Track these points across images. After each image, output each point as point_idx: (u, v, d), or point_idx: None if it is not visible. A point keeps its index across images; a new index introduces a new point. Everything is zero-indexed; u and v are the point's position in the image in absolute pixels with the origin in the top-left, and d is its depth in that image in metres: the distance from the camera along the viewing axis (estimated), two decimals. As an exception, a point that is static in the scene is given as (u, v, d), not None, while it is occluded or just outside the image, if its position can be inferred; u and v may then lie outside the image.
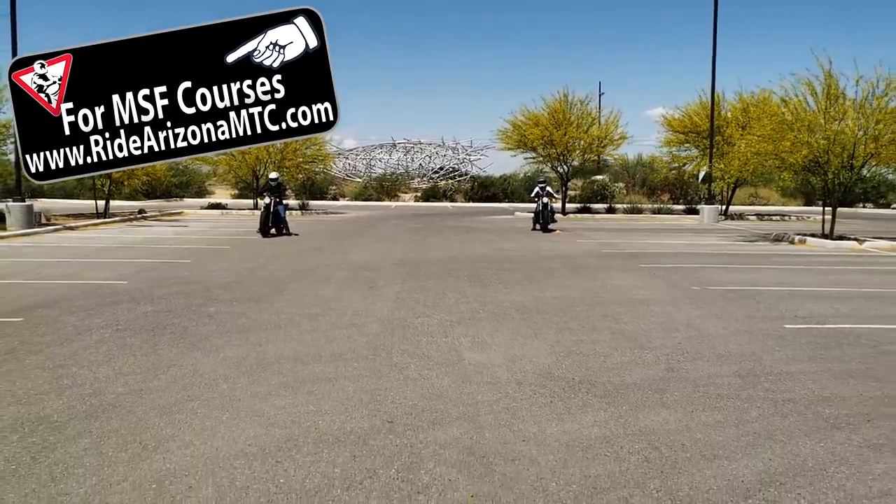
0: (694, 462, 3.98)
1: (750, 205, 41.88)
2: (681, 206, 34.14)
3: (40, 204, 25.93)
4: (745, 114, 25.44)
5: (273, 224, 19.61)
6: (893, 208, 41.70)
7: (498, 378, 5.65)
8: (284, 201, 21.18)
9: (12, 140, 20.09)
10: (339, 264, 13.05)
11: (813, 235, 18.95)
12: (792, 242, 18.47)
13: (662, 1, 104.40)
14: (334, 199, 48.88)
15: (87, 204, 32.02)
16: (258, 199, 19.52)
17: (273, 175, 21.26)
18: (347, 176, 56.67)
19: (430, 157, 57.80)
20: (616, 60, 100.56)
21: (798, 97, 17.96)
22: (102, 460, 3.96)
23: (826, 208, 19.38)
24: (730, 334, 7.28)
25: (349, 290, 10.05)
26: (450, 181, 53.23)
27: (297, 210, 32.36)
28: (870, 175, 38.29)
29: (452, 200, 47.88)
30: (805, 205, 42.55)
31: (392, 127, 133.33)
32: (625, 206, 33.56)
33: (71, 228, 20.56)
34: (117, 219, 24.40)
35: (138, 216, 26.10)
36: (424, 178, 55.07)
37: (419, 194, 50.31)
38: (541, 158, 31.68)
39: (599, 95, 54.52)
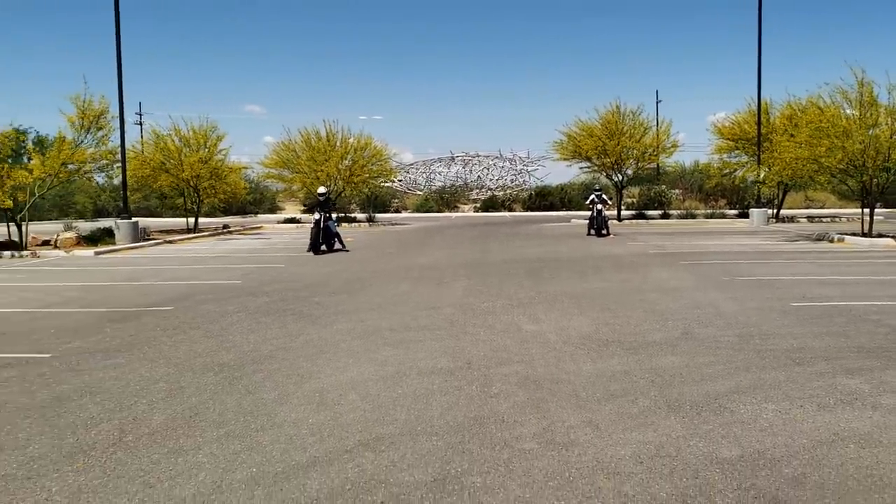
0: (685, 383, 5.65)
1: (806, 208, 42.42)
2: (734, 211, 35.09)
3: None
4: (790, 122, 26.47)
5: (324, 240, 18.59)
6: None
7: (548, 339, 7.38)
8: (335, 215, 20.18)
9: (118, 164, 22.61)
10: (410, 266, 14.92)
11: (853, 234, 20.04)
12: (831, 241, 19.62)
13: (726, 7, 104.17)
14: (397, 211, 51.06)
15: (174, 221, 34.89)
16: (313, 214, 18.88)
17: (321, 189, 19.85)
18: (408, 189, 58.92)
19: (488, 169, 59.67)
20: (678, 66, 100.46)
21: (834, 104, 19.19)
22: (276, 384, 5.85)
23: (864, 209, 20.42)
24: (741, 310, 8.85)
25: (422, 285, 11.89)
26: (508, 191, 54.93)
27: (364, 222, 34.60)
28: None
29: (511, 210, 49.56)
30: (863, 207, 42.75)
31: (450, 140, 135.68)
32: (679, 212, 34.74)
33: (170, 242, 23.04)
34: (206, 233, 26.91)
35: (223, 231, 28.59)
36: (483, 189, 56.88)
37: (478, 205, 52.14)
38: (595, 168, 33.20)
39: (657, 103, 55.70)
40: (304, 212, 19.06)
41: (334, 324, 8.45)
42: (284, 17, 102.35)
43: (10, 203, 18.67)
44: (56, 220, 37.89)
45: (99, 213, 44.77)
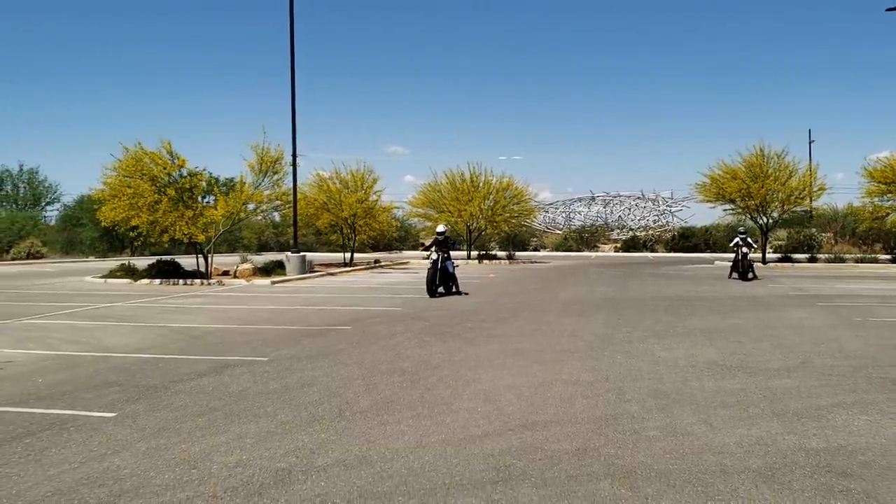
0: (793, 398, 6.60)
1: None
2: (888, 256, 33.82)
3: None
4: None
5: (441, 282, 17.34)
6: None
7: (678, 364, 8.44)
8: (454, 257, 18.64)
9: (289, 206, 25.38)
10: (552, 301, 16.17)
11: None
12: None
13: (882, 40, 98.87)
14: (535, 250, 52.37)
15: (328, 255, 37.84)
16: (430, 254, 17.64)
17: (441, 228, 18.78)
18: (547, 228, 60.08)
19: (629, 209, 59.85)
20: (837, 103, 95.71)
21: None
22: (448, 385, 7.31)
23: None
24: (864, 346, 9.49)
25: (565, 316, 13.11)
26: (650, 232, 54.90)
27: (504, 260, 36.12)
28: None
29: (653, 251, 49.58)
30: None
31: (589, 179, 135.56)
32: (828, 255, 33.92)
33: (332, 274, 25.52)
34: (361, 267, 29.35)
35: (376, 265, 30.98)
36: (624, 230, 57.10)
37: (619, 245, 52.49)
38: (739, 210, 33.14)
39: (809, 143, 54.14)
40: (424, 250, 17.26)
41: (488, 345, 9.87)
42: (428, 57, 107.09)
43: (203, 238, 21.61)
44: (226, 253, 42.01)
45: (263, 248, 49.06)
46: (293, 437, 5.51)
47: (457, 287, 17.99)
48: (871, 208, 32.27)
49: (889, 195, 30.85)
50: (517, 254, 41.21)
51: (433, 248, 17.59)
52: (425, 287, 17.30)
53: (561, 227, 59.97)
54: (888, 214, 30.99)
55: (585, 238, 54.28)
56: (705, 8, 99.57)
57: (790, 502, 4.17)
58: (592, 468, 4.73)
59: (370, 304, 15.32)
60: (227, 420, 6.02)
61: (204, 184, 23.12)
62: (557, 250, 51.41)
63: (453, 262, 18.04)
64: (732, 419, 5.90)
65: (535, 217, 46.97)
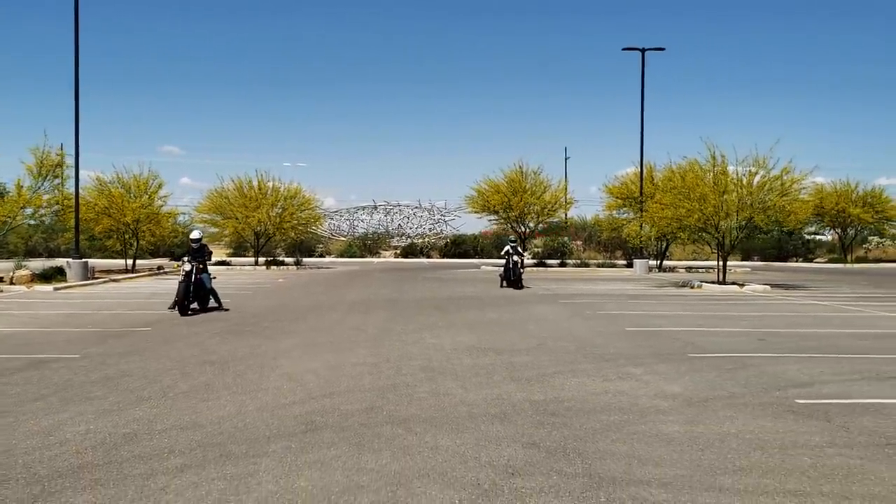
0: (527, 369, 8.70)
1: (693, 259, 47.23)
2: (624, 262, 39.29)
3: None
4: (670, 183, 30.76)
5: (195, 297, 15.06)
6: (815, 262, 47.30)
7: (443, 347, 10.36)
8: (210, 269, 16.35)
9: (70, 210, 24.63)
10: (340, 302, 17.72)
11: (712, 282, 23.95)
12: (692, 287, 23.44)
13: (629, 66, 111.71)
14: (321, 256, 53.57)
15: (104, 262, 36.46)
16: (183, 265, 15.43)
17: (195, 234, 16.34)
18: (333, 235, 61.47)
19: (408, 218, 62.95)
20: (594, 120, 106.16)
21: (695, 173, 23.25)
22: (255, 371, 8.59)
23: (720, 261, 24.44)
24: (589, 333, 12.07)
25: (351, 314, 14.72)
26: (426, 239, 58.27)
27: (292, 265, 37.07)
28: (798, 234, 43.76)
29: (429, 256, 52.81)
30: (742, 260, 47.99)
31: (371, 187, 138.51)
32: (576, 261, 38.68)
33: (115, 280, 25.10)
34: (145, 273, 28.97)
35: (159, 271, 30.62)
36: (403, 237, 60.04)
37: (399, 251, 55.26)
38: (502, 220, 36.91)
39: (565, 159, 60.43)
40: (172, 259, 14.29)
41: (285, 340, 11.21)
42: (206, 56, 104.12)
43: (-25, 242, 20.56)
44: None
45: (30, 253, 45.67)
46: (128, 412, 6.58)
47: (217, 301, 15.75)
48: (610, 220, 37.43)
49: (625, 209, 36.06)
50: (304, 260, 42.21)
51: (186, 259, 15.34)
52: (173, 303, 15.07)
53: (346, 233, 61.66)
54: (623, 225, 36.16)
55: (368, 245, 56.46)
56: (488, 18, 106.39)
57: (513, 430, 6.06)
58: (377, 419, 6.36)
59: (164, 308, 15.86)
60: (63, 403, 6.91)
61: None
62: (342, 256, 53.01)
63: (210, 275, 15.93)
64: (481, 384, 7.82)
65: (321, 224, 48.13)
